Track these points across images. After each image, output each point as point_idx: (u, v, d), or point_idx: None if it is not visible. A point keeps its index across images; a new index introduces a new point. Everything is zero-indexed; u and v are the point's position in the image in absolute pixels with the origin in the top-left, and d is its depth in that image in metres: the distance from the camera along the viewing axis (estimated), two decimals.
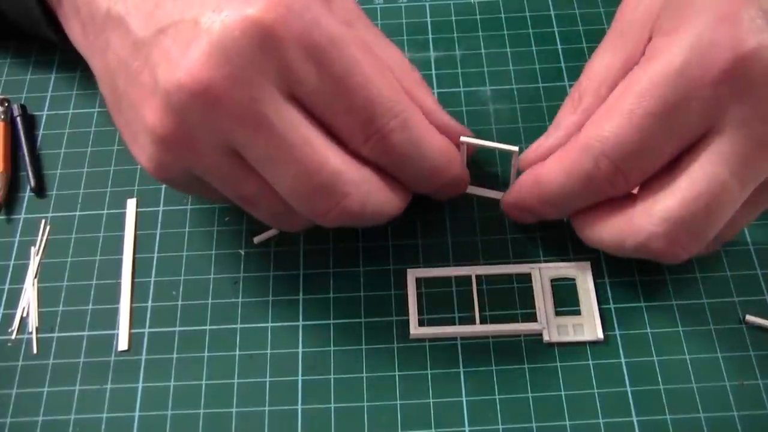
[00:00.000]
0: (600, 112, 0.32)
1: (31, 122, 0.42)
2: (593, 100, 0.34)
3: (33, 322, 0.36)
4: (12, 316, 0.37)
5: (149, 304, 0.37)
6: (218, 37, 0.28)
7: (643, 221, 0.31)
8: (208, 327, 0.36)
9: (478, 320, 0.35)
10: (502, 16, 0.45)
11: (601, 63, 0.34)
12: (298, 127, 0.29)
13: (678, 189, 0.30)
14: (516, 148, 0.35)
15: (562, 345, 0.35)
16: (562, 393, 0.34)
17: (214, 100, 0.28)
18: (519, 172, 0.36)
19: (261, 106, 0.29)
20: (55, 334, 0.36)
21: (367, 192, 0.31)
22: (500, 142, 0.39)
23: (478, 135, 0.36)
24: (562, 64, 0.43)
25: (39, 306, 0.37)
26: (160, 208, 0.39)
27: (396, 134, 0.31)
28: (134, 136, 0.32)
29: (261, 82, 0.28)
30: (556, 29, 0.44)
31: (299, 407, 0.34)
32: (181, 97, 0.28)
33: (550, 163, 0.33)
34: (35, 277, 0.38)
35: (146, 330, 0.36)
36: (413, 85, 0.34)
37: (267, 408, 0.34)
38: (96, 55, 0.33)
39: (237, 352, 0.35)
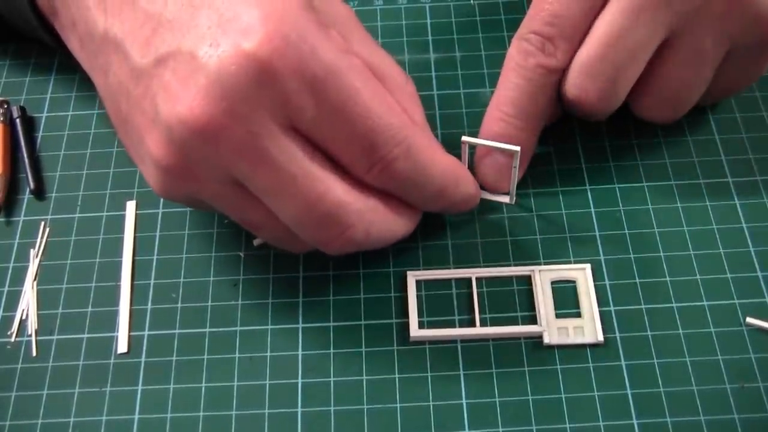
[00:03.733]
0: None
1: (30, 124, 0.42)
2: None
3: (32, 325, 0.36)
4: (11, 319, 0.37)
5: (149, 306, 0.37)
6: (215, 73, 0.28)
7: (567, 77, 0.35)
8: (207, 329, 0.36)
9: (478, 323, 0.35)
10: (502, 17, 0.45)
11: None
12: (299, 159, 0.30)
13: (587, 42, 0.35)
14: (518, 148, 0.35)
15: (562, 347, 0.35)
16: (563, 396, 0.34)
17: (214, 136, 0.28)
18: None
19: (260, 140, 0.29)
20: (55, 337, 0.36)
21: (371, 221, 0.32)
22: None
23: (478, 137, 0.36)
24: None
25: (38, 308, 0.37)
26: (160, 210, 0.39)
27: (400, 162, 0.31)
28: (141, 158, 0.32)
29: (260, 116, 0.28)
30: None
31: (299, 410, 0.34)
32: (181, 131, 0.29)
33: (499, 84, 0.37)
34: (35, 279, 0.38)
35: (146, 332, 0.36)
36: (404, 101, 0.33)
37: (267, 411, 0.34)
38: (97, 73, 0.34)
39: (237, 355, 0.35)
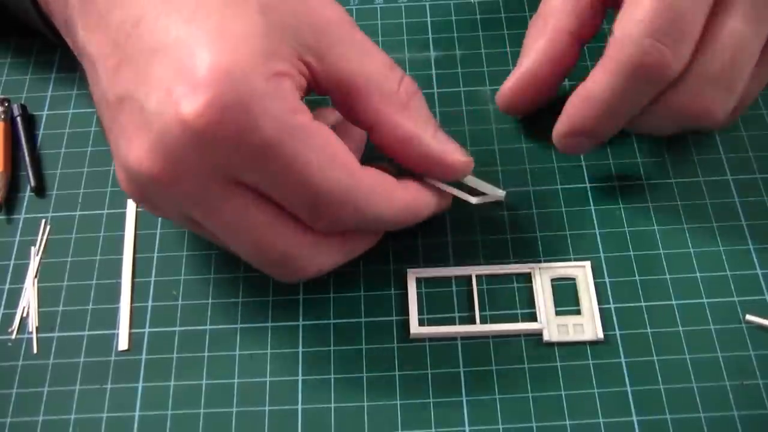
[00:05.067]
0: (625, 9, 0.32)
1: (31, 122, 0.43)
2: (558, 19, 0.36)
3: (33, 322, 0.36)
4: (12, 316, 0.37)
5: (149, 303, 0.37)
6: (158, 133, 0.28)
7: (688, 88, 0.33)
8: (208, 327, 0.36)
9: (478, 320, 0.35)
10: (502, 15, 0.45)
11: None
12: (245, 213, 0.30)
13: (713, 49, 0.32)
14: (502, 195, 0.37)
15: (562, 345, 0.35)
16: (562, 393, 0.34)
17: (162, 186, 0.29)
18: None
19: (206, 195, 0.29)
20: (55, 334, 0.36)
21: (322, 262, 0.33)
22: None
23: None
24: None
25: (39, 306, 0.37)
26: None
27: (346, 219, 0.31)
28: None
29: (203, 175, 0.29)
30: None
31: (299, 407, 0.34)
32: (136, 175, 0.30)
33: (595, 73, 0.34)
34: (35, 276, 0.38)
35: (146, 330, 0.36)
36: (392, 112, 0.32)
37: (267, 408, 0.34)
38: (86, 76, 0.34)
39: (237, 352, 0.35)
